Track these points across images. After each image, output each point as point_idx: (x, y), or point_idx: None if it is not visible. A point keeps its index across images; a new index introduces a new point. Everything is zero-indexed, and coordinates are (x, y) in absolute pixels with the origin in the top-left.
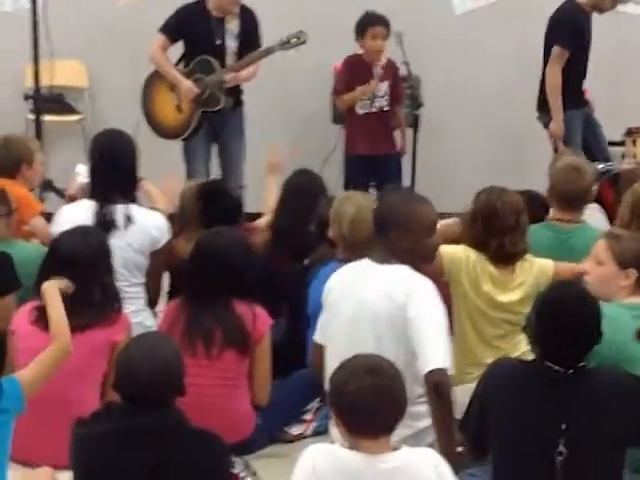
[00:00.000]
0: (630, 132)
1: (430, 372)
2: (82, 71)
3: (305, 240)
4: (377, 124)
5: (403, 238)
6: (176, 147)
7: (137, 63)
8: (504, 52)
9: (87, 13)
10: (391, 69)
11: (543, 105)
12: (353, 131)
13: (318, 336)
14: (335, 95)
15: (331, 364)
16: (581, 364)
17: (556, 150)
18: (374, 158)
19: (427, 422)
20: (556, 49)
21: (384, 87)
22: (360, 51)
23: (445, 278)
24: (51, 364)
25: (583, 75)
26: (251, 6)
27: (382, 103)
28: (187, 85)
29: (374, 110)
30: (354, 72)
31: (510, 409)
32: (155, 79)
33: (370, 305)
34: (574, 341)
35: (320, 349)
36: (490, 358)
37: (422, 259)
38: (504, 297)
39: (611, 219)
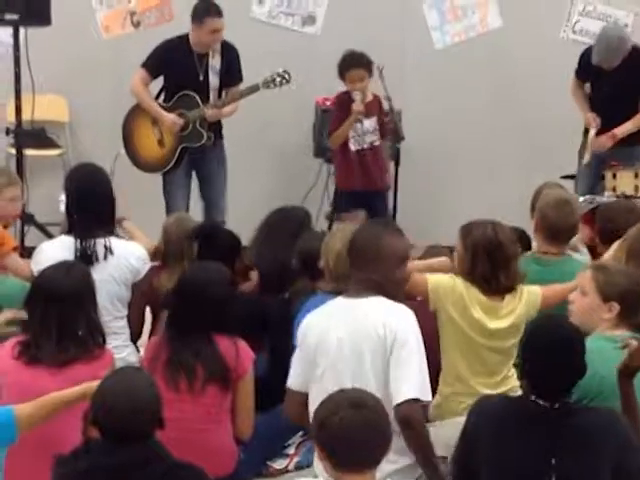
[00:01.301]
0: (610, 165)
1: (399, 404)
2: (63, 105)
3: (286, 274)
4: (369, 159)
5: (375, 270)
6: (156, 180)
7: (118, 97)
8: (483, 86)
9: (68, 48)
10: (377, 104)
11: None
12: (346, 167)
13: (295, 383)
14: (329, 135)
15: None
16: (566, 399)
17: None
18: (366, 194)
19: (413, 458)
20: None
21: (373, 123)
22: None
23: (431, 307)
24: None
25: None
26: (233, 42)
27: (372, 138)
28: (171, 119)
29: (366, 146)
30: (346, 109)
31: (499, 445)
32: (136, 113)
33: (352, 342)
34: (560, 375)
35: (297, 397)
36: (482, 387)
37: (393, 291)
38: (494, 324)
39: (591, 252)
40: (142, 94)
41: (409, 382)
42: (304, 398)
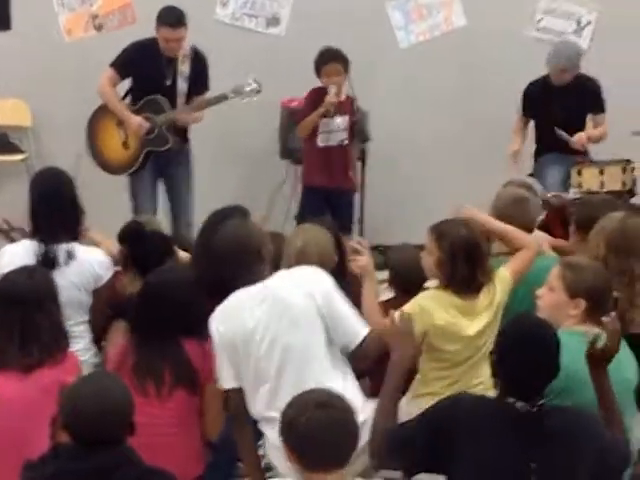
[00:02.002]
0: (576, 162)
1: (364, 340)
2: (25, 110)
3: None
4: (336, 158)
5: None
6: (122, 182)
7: (81, 101)
8: (448, 85)
9: (30, 52)
10: (350, 104)
11: None
12: (311, 163)
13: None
14: (297, 123)
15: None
16: (541, 400)
17: None
18: (330, 191)
19: None
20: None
21: (344, 122)
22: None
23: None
24: None
25: None
26: (197, 44)
27: (342, 137)
28: (137, 121)
29: (334, 144)
30: (318, 103)
31: (479, 446)
32: (102, 113)
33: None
34: (536, 375)
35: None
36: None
37: None
38: (473, 327)
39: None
40: (109, 94)
41: (358, 322)
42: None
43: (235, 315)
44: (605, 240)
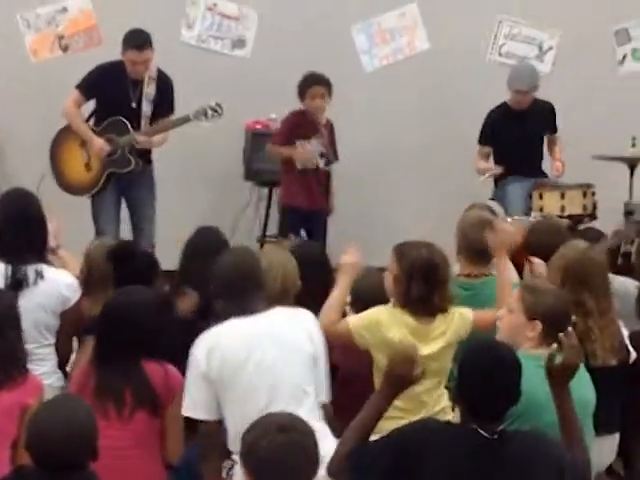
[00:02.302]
0: (537, 186)
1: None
2: None
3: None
4: (313, 181)
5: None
6: (85, 203)
7: (46, 121)
8: (412, 108)
9: None
10: (328, 128)
11: None
12: (291, 184)
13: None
14: (272, 144)
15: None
16: (502, 426)
17: None
18: (308, 212)
19: None
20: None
21: (320, 146)
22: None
23: (362, 348)
24: None
25: None
26: (163, 66)
27: (318, 161)
28: (99, 143)
29: (312, 166)
30: (297, 127)
31: (450, 473)
32: (65, 134)
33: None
34: (498, 400)
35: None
36: (417, 414)
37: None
38: (425, 349)
39: (518, 270)
40: (73, 115)
41: (328, 386)
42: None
43: (227, 343)
44: (563, 270)
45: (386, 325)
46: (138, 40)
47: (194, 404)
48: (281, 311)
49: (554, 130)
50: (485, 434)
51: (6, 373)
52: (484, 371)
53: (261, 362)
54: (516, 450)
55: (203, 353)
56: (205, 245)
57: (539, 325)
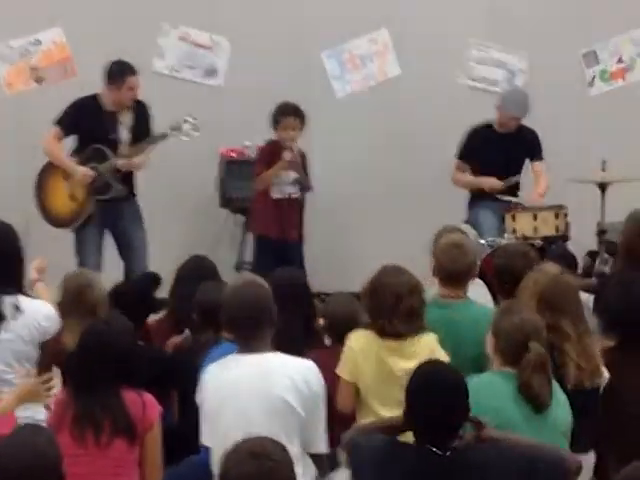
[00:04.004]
0: (509, 208)
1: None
2: None
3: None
4: (287, 210)
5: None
6: (68, 237)
7: (22, 152)
8: (384, 133)
9: None
10: (301, 158)
11: None
12: (265, 214)
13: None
14: (256, 175)
15: None
16: (455, 442)
17: None
18: (280, 243)
19: None
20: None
21: (292, 175)
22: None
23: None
24: None
25: None
26: (140, 98)
27: (291, 190)
28: (82, 170)
29: (285, 196)
30: (272, 156)
31: None
32: (48, 169)
33: (262, 397)
34: (447, 418)
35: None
36: None
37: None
38: (404, 364)
39: (493, 293)
40: (54, 150)
41: (323, 437)
42: None
43: (212, 383)
44: (538, 295)
45: (362, 358)
46: (132, 66)
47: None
48: (277, 357)
49: (538, 157)
50: (438, 452)
51: None
52: (428, 390)
53: (236, 408)
54: (470, 461)
55: (202, 385)
56: (195, 273)
57: (492, 341)
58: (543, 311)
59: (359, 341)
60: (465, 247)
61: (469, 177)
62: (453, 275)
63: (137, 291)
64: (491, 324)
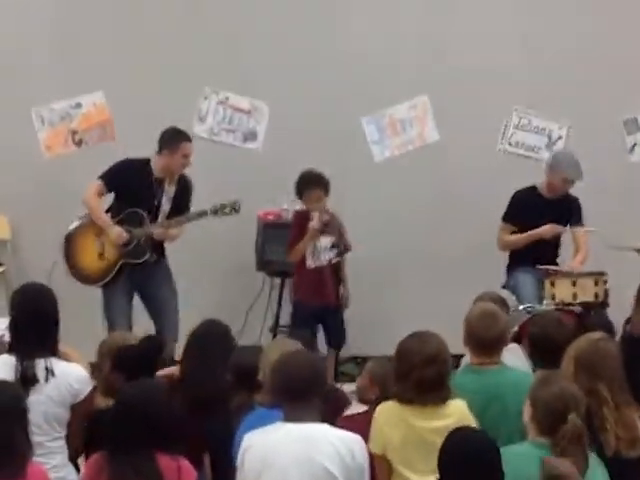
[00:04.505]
0: (548, 274)
1: None
2: (4, 223)
3: (215, 389)
4: (326, 276)
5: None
6: (95, 295)
7: (61, 215)
8: (422, 198)
9: (10, 167)
10: (334, 222)
11: None
12: (302, 282)
13: None
14: (288, 250)
15: None
16: None
17: None
18: (321, 309)
19: None
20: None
21: (329, 240)
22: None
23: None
24: None
25: None
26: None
27: (330, 255)
28: (117, 231)
29: (323, 263)
30: (303, 225)
31: None
32: (82, 224)
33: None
34: None
35: None
36: None
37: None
38: (435, 424)
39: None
40: (94, 204)
41: None
42: None
43: (252, 451)
44: (575, 359)
45: (387, 428)
46: (187, 134)
47: None
48: (323, 426)
49: (581, 223)
50: None
51: (5, 464)
52: (464, 458)
53: (277, 472)
54: None
55: (240, 452)
56: (206, 337)
57: (529, 410)
58: (580, 375)
59: (384, 411)
60: (497, 315)
61: (520, 234)
62: (485, 343)
63: (141, 356)
64: (529, 393)
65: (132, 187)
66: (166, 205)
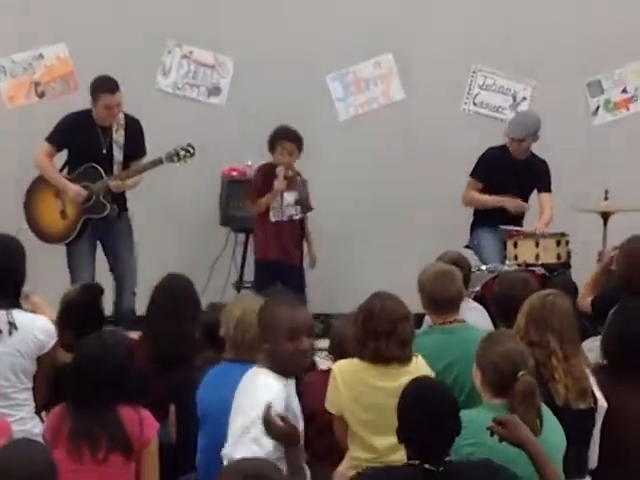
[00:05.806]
0: (511, 235)
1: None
2: None
3: (180, 343)
4: (287, 232)
5: (265, 340)
6: (60, 252)
7: (23, 167)
8: (386, 157)
9: None
10: (299, 180)
11: None
12: (265, 238)
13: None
14: (251, 201)
15: None
16: (448, 458)
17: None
18: (282, 265)
19: None
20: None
21: (293, 196)
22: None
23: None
24: None
25: None
26: (138, 113)
27: (292, 212)
28: (75, 189)
29: (285, 219)
30: (268, 179)
31: None
32: (39, 185)
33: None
34: (439, 435)
35: None
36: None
37: (283, 363)
38: (400, 381)
39: (492, 320)
40: (46, 166)
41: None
42: None
43: None
44: (526, 313)
45: (344, 388)
46: (110, 84)
47: None
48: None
49: (548, 189)
50: (431, 468)
51: None
52: (419, 406)
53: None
54: (464, 476)
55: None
56: (171, 292)
57: (478, 374)
58: (530, 328)
59: (342, 370)
60: (453, 275)
61: (487, 196)
62: (440, 302)
63: (83, 305)
64: (475, 358)
65: (78, 140)
66: (118, 153)
